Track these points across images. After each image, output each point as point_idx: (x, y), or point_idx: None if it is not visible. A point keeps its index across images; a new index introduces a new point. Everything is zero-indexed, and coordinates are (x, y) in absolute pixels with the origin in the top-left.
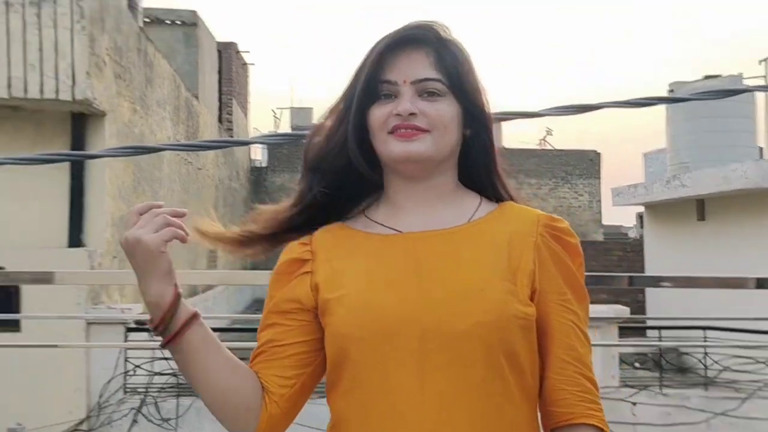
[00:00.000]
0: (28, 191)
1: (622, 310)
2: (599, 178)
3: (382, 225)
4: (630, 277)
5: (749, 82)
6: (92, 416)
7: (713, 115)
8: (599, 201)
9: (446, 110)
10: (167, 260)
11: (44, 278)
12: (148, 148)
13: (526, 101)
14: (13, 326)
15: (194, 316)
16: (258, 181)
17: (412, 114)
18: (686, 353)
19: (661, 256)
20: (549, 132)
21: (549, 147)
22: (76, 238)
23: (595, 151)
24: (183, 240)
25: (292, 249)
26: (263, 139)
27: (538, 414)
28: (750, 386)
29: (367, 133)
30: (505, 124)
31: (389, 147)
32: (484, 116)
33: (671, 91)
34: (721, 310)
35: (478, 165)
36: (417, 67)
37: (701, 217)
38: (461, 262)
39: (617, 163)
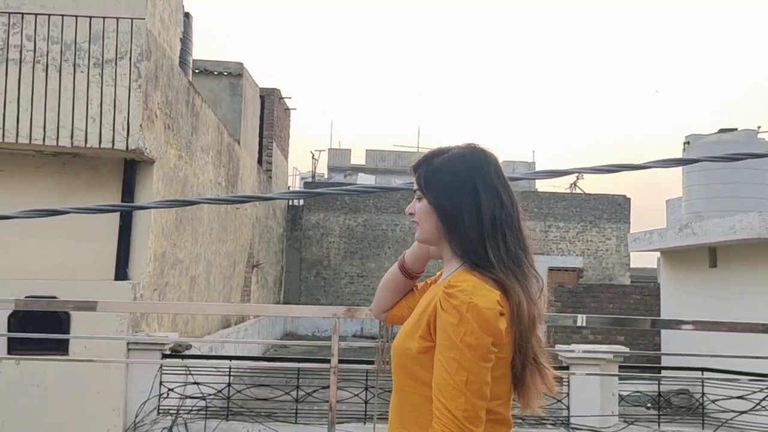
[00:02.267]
0: (82, 229)
1: (620, 349)
2: (628, 222)
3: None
4: (652, 320)
5: (765, 136)
6: None
7: (726, 166)
8: (627, 245)
9: (421, 208)
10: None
11: (89, 306)
12: (185, 201)
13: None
14: (63, 351)
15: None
16: (294, 219)
17: (411, 213)
18: (689, 394)
19: (676, 300)
20: (580, 176)
21: (579, 191)
22: (122, 272)
23: (624, 196)
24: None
25: None
26: (284, 195)
27: None
28: (747, 427)
29: None
30: (538, 167)
31: None
32: (441, 209)
33: (687, 143)
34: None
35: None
36: (414, 183)
37: (713, 264)
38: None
39: (647, 209)
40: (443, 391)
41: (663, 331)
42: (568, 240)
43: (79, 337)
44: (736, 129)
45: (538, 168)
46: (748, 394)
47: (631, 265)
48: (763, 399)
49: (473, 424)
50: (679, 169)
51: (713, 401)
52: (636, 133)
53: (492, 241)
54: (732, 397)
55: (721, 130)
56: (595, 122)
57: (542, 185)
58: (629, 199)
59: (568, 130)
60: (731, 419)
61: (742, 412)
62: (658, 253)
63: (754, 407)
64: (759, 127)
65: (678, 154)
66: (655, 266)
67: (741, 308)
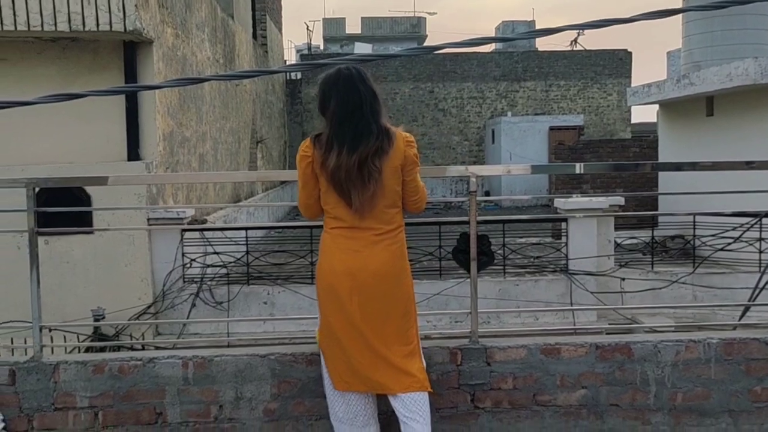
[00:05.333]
0: (90, 114)
1: (617, 200)
2: (629, 77)
3: None
4: (652, 163)
5: None
6: (158, 301)
7: (725, 13)
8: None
9: None
10: None
11: (100, 181)
12: (192, 79)
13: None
14: (87, 232)
15: None
16: (293, 94)
17: None
18: (683, 238)
19: (674, 150)
20: (580, 33)
21: (580, 48)
22: (134, 153)
23: (625, 50)
24: None
25: None
26: (288, 68)
27: None
28: (732, 263)
29: None
30: (537, 26)
31: None
32: (319, 109)
33: None
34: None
35: None
36: None
37: (710, 113)
38: None
39: (649, 62)
40: None
41: (660, 182)
42: (569, 98)
43: (102, 209)
44: None
45: (537, 27)
46: (729, 231)
47: (633, 120)
48: (744, 232)
49: (300, 206)
50: (679, 20)
51: (704, 242)
52: None
53: (338, 125)
54: (719, 236)
55: None
56: None
57: (543, 44)
58: (630, 54)
59: None
60: (710, 255)
61: (723, 248)
62: (657, 106)
63: (735, 240)
64: None
65: (679, 4)
66: (656, 120)
67: (736, 155)
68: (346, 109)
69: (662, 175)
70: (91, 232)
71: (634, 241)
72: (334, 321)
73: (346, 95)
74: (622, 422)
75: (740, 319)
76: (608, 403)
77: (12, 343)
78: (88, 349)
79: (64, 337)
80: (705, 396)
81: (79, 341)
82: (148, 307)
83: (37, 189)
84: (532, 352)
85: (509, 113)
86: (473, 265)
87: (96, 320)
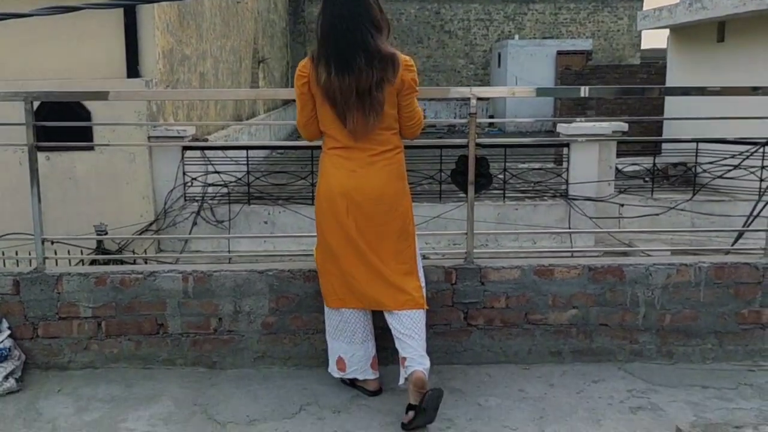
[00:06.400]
0: (88, 28)
1: (620, 126)
2: (641, 0)
3: None
4: (660, 88)
5: None
6: (159, 219)
7: None
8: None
9: None
10: None
11: (101, 96)
12: None
13: None
14: (87, 148)
15: None
16: (296, 13)
17: None
18: (685, 166)
19: (682, 78)
20: None
21: None
22: (133, 70)
23: None
24: None
25: None
26: None
27: None
28: (733, 190)
29: None
30: None
31: None
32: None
33: None
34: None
35: None
36: None
37: (721, 38)
38: None
39: None
40: None
41: (666, 110)
42: (578, 22)
43: (102, 124)
44: None
45: None
46: (728, 158)
47: (643, 46)
48: (743, 160)
49: (299, 126)
50: None
51: (705, 170)
52: None
53: (323, 41)
54: (718, 163)
55: None
56: None
57: None
58: None
59: None
60: (708, 183)
61: (722, 176)
62: (668, 32)
63: (735, 168)
64: None
65: None
66: (666, 45)
67: (746, 82)
68: (341, 24)
69: (668, 103)
70: (92, 149)
71: (636, 168)
72: (331, 238)
73: (342, 7)
74: (610, 341)
75: (733, 245)
76: (598, 323)
77: (17, 255)
78: (92, 263)
79: (68, 251)
80: (693, 317)
81: (82, 255)
82: (150, 224)
83: (36, 104)
84: (525, 272)
85: (516, 36)
86: (470, 187)
87: (99, 236)
